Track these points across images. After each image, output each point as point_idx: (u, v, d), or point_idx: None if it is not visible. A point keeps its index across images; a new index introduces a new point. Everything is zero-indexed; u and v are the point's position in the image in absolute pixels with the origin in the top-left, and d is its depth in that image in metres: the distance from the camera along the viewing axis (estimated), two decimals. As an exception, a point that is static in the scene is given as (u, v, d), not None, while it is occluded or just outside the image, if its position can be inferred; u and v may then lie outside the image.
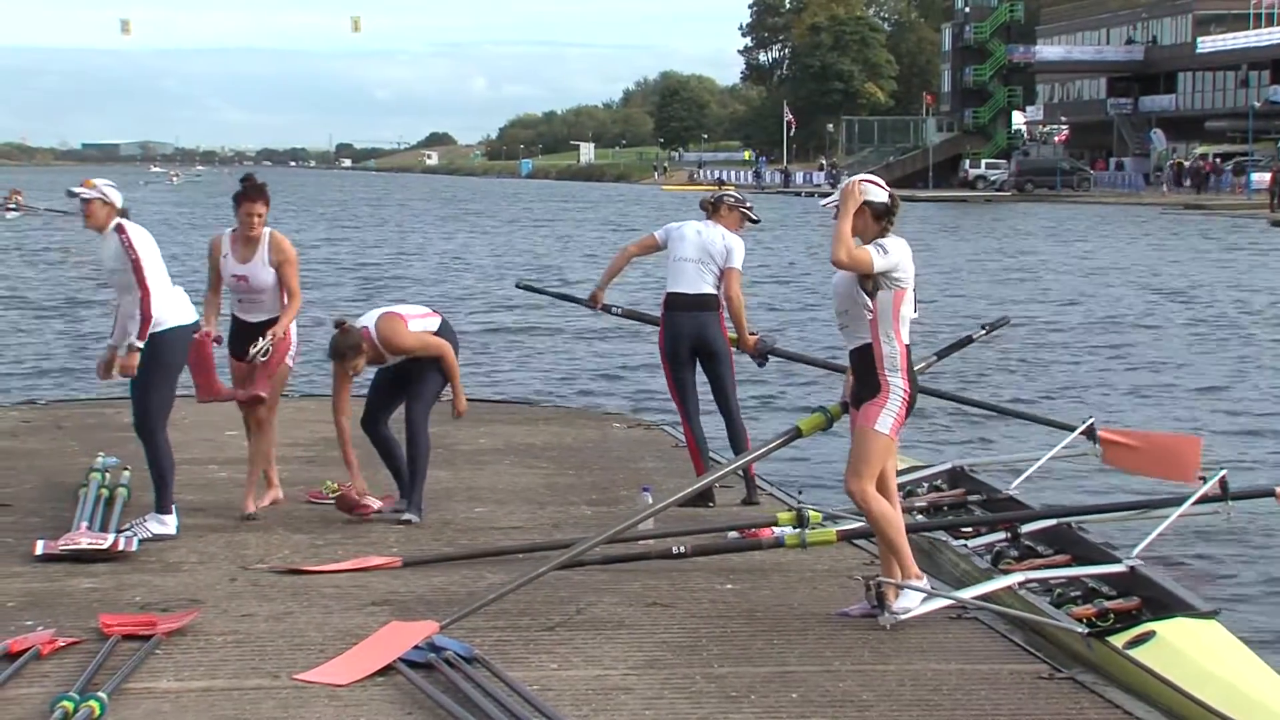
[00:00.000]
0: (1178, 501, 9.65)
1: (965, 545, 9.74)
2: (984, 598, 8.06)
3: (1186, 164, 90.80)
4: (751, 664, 7.12)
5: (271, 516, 10.15)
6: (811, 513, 9.37)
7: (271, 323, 9.90)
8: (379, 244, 52.86)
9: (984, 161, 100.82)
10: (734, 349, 10.77)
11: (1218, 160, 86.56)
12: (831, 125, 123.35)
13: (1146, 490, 11.71)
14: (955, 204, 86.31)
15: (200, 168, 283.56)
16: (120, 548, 8.94)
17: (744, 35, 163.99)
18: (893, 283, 7.60)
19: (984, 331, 12.28)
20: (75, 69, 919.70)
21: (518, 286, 15.19)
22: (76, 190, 9.43)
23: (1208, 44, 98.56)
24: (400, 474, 10.21)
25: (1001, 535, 9.76)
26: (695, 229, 10.67)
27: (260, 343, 9.82)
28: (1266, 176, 74.59)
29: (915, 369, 7.88)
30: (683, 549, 8.83)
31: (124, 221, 9.28)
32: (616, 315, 12.56)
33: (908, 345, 7.73)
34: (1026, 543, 9.69)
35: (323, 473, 11.47)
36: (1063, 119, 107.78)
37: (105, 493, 10.26)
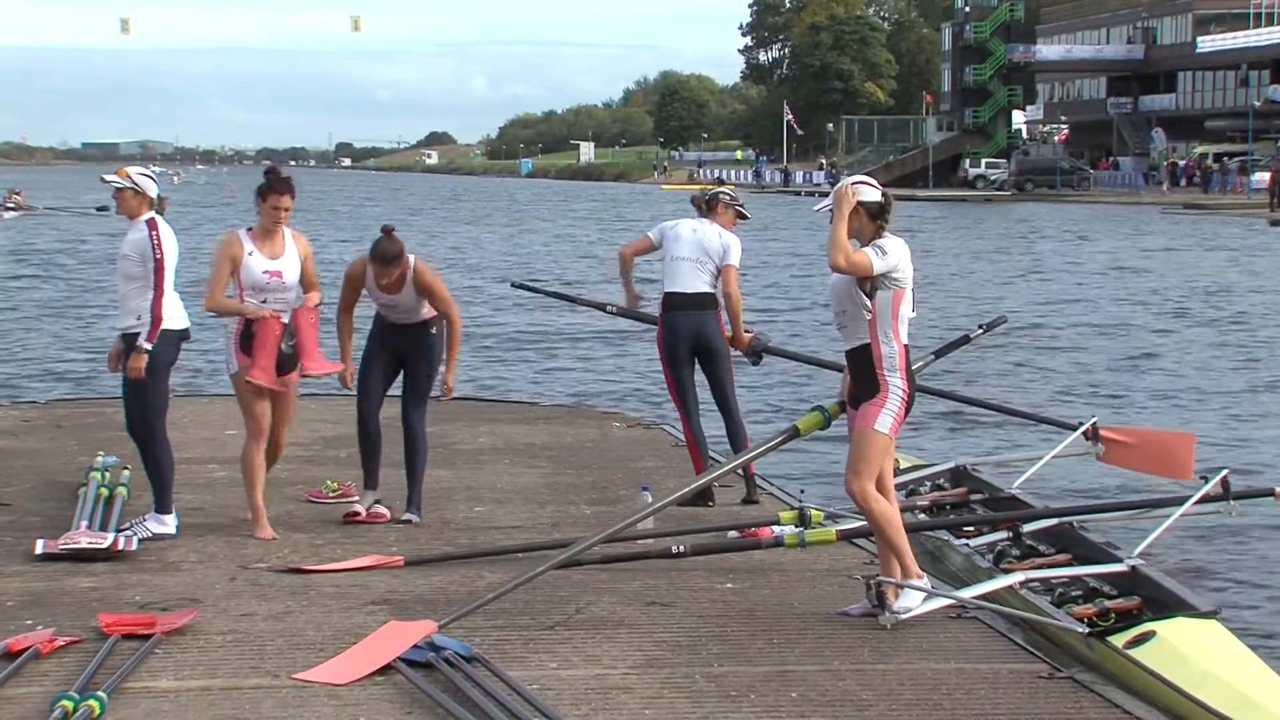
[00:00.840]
0: (1179, 501, 9.65)
1: (967, 544, 9.74)
2: (985, 597, 8.05)
3: (1181, 163, 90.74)
4: (751, 663, 7.11)
5: (270, 516, 10.12)
6: (813, 511, 9.38)
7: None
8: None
9: (984, 161, 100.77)
10: (731, 347, 10.76)
11: (1225, 160, 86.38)
12: (831, 125, 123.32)
13: (1148, 490, 11.71)
14: (955, 203, 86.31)
15: (200, 167, 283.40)
16: (120, 547, 8.94)
17: (744, 35, 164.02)
18: (891, 283, 7.60)
19: (981, 331, 12.28)
20: (75, 68, 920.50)
21: (513, 286, 15.18)
22: (109, 178, 9.47)
23: (1207, 43, 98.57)
24: (375, 472, 10.17)
25: (1003, 534, 9.77)
26: (690, 227, 10.64)
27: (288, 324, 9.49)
28: (1266, 176, 74.60)
29: (913, 368, 7.88)
30: (682, 548, 8.83)
31: (157, 218, 9.30)
32: (613, 314, 12.56)
33: (906, 345, 7.73)
34: (1028, 542, 9.69)
35: (322, 472, 11.47)
36: (1062, 118, 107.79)
37: (105, 492, 10.25)
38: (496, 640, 7.37)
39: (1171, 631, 7.55)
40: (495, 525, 10.01)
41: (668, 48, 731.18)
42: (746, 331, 10.86)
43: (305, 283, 9.62)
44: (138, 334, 9.14)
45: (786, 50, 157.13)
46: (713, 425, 10.93)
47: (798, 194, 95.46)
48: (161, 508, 9.46)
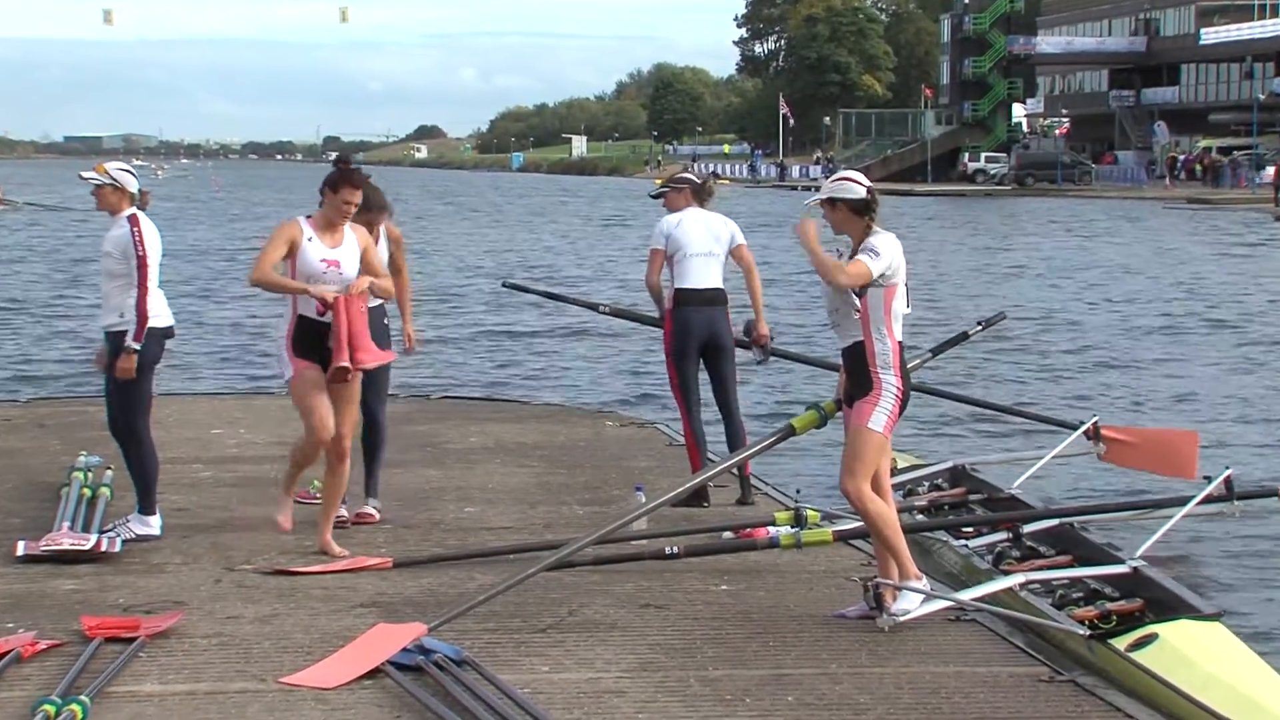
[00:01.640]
0: (1182, 501, 9.66)
1: (966, 545, 9.75)
2: (984, 599, 8.06)
3: (1181, 158, 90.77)
4: (746, 667, 7.12)
5: (257, 516, 10.13)
6: (810, 512, 9.37)
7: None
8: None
9: (983, 155, 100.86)
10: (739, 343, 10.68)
11: (1234, 154, 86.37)
12: (828, 118, 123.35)
13: (1150, 490, 11.72)
14: (954, 198, 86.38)
15: (185, 161, 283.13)
16: (103, 548, 8.93)
17: (739, 26, 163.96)
18: (883, 279, 7.62)
19: (980, 328, 12.29)
20: (57, 61, 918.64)
21: (504, 285, 15.16)
22: (86, 175, 9.46)
23: (1211, 35, 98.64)
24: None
25: (1003, 535, 9.78)
26: (692, 220, 10.59)
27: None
28: (1271, 171, 74.67)
29: (909, 366, 7.89)
30: (676, 549, 8.83)
31: (139, 214, 9.29)
32: (605, 314, 12.55)
33: (900, 342, 7.75)
34: (1028, 543, 9.71)
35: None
36: (1064, 111, 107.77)
37: (88, 492, 10.25)
38: (487, 643, 7.37)
39: (1174, 634, 7.56)
40: (486, 526, 10.01)
41: (662, 39, 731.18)
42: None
43: (368, 274, 9.55)
44: (122, 332, 9.14)
45: (782, 42, 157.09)
46: (710, 427, 10.93)
47: (794, 189, 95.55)
48: (145, 508, 9.46)
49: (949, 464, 12.01)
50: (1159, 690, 7.18)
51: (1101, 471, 12.73)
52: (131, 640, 7.23)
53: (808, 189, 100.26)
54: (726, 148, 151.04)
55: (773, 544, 8.95)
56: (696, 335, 10.47)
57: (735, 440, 10.60)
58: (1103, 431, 11.72)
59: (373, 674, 6.87)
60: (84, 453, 11.31)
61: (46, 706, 6.21)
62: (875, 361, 7.68)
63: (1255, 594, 10.41)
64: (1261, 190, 75.30)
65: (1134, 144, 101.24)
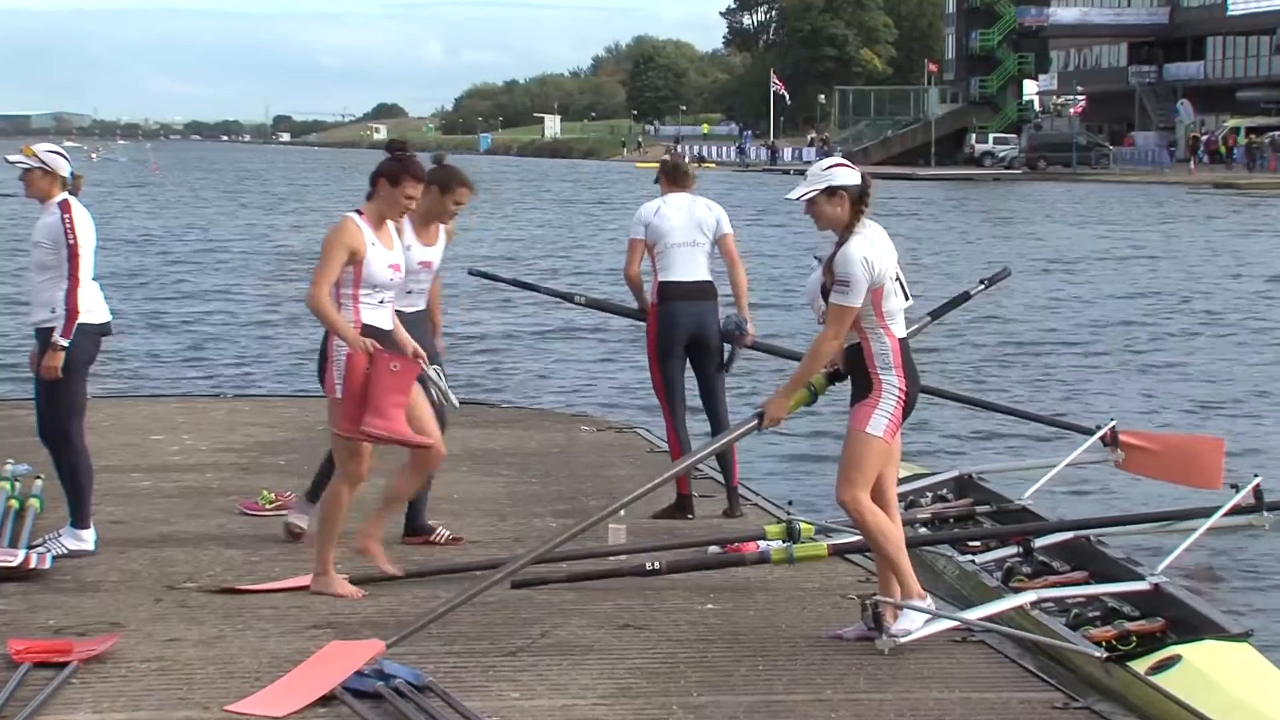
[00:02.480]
0: (1207, 513, 9.68)
1: (973, 561, 9.76)
2: (993, 618, 8.07)
3: (1204, 138, 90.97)
4: (734, 693, 7.12)
5: (200, 530, 10.12)
6: (803, 525, 9.37)
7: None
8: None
9: (992, 136, 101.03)
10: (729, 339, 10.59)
11: (1259, 135, 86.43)
12: (823, 96, 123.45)
13: (1172, 500, 11.73)
14: (960, 183, 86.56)
15: (122, 142, 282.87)
16: (32, 565, 8.91)
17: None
18: (841, 293, 7.63)
19: (983, 287, 12.24)
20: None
21: (470, 273, 15.14)
22: (13, 159, 9.41)
23: (1239, 5, 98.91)
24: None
25: (1013, 550, 9.79)
26: (675, 207, 10.56)
27: (433, 372, 8.94)
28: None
29: (913, 362, 7.88)
30: (657, 565, 8.83)
31: (71, 199, 9.27)
32: (580, 305, 12.53)
33: (902, 339, 7.76)
34: (1041, 558, 9.72)
35: (258, 481, 11.44)
36: (1079, 89, 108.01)
37: (15, 504, 10.23)
38: (452, 667, 7.37)
39: (1199, 656, 7.58)
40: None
41: (643, 10, 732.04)
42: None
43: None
44: (53, 329, 9.12)
45: (774, 13, 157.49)
46: (697, 432, 10.94)
47: (786, 172, 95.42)
48: (78, 521, 9.43)
49: (954, 473, 12.02)
50: (1182, 717, 7.20)
51: (1119, 481, 12.75)
52: (63, 665, 7.21)
53: (801, 173, 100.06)
54: (706, 127, 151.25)
55: (763, 559, 8.95)
56: (683, 332, 10.44)
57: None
58: (1120, 437, 11.72)
59: (327, 700, 6.86)
60: (11, 460, 11.27)
61: (-30, 738, 6.20)
62: (874, 362, 7.70)
63: (1286, 612, 10.44)
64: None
65: (1155, 124, 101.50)
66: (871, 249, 7.68)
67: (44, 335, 9.19)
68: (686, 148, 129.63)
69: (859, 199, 7.75)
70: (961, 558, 9.87)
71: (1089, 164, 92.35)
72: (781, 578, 9.04)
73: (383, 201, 8.56)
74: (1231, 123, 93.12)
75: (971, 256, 40.26)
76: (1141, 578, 8.77)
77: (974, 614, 8.10)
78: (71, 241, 9.10)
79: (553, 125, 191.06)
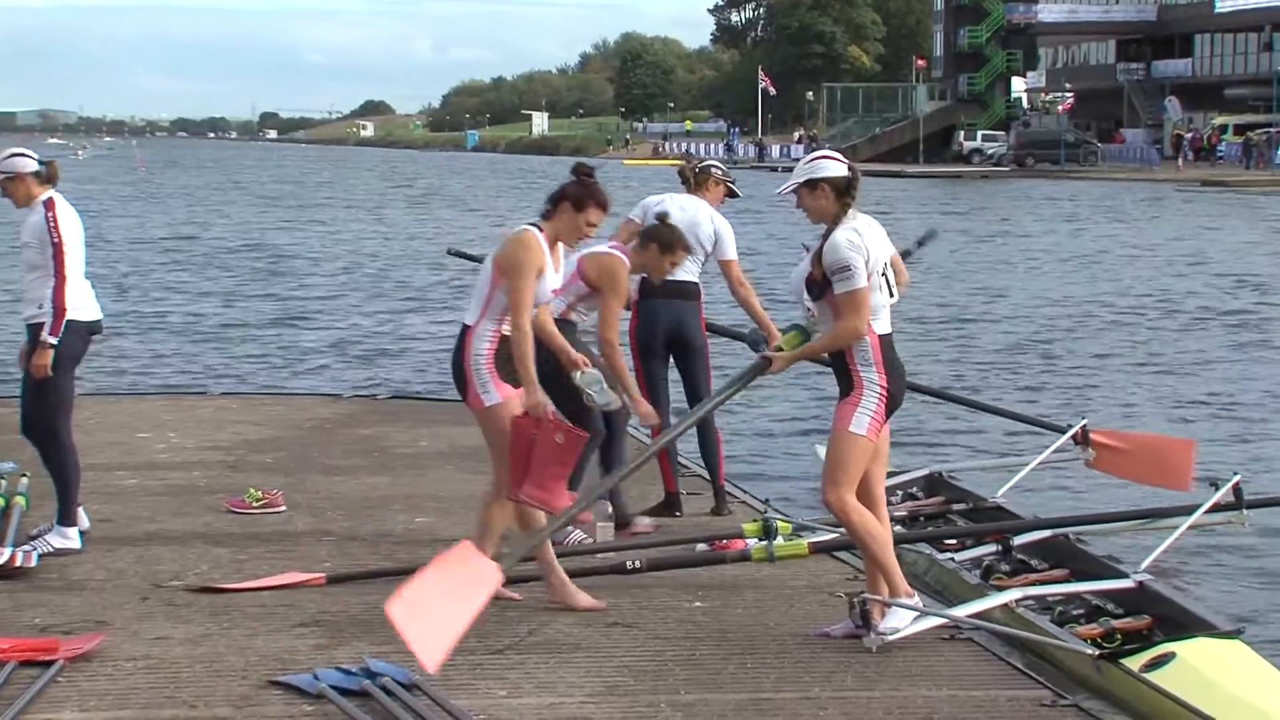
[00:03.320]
0: (1187, 511, 9.69)
1: (952, 559, 9.74)
2: (980, 616, 8.08)
3: (1187, 136, 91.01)
4: (722, 690, 7.13)
5: (186, 528, 10.11)
6: (780, 523, 9.32)
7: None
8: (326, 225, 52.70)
9: (980, 133, 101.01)
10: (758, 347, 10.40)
11: (1257, 134, 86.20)
12: (811, 93, 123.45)
13: (1151, 498, 11.71)
14: (948, 180, 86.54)
15: (108, 139, 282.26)
16: (18, 563, 8.90)
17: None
18: (845, 280, 7.62)
19: (919, 247, 12.33)
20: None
21: (449, 253, 15.11)
22: None
23: (1227, 3, 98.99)
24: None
25: (992, 548, 9.75)
26: (678, 204, 10.54)
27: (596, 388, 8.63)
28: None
29: (899, 361, 7.86)
30: (638, 563, 8.81)
31: (56, 197, 9.26)
32: None
33: (884, 335, 7.74)
34: (1019, 556, 9.69)
35: (245, 479, 11.44)
36: (1067, 86, 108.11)
37: (1, 502, 10.21)
38: (439, 665, 7.36)
39: (1193, 653, 7.57)
40: (438, 538, 9.98)
41: (631, 7, 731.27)
42: (741, 328, 10.77)
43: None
44: (42, 325, 9.12)
45: (762, 10, 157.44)
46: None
47: (774, 169, 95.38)
48: (65, 519, 9.42)
49: (924, 471, 11.99)
50: (1178, 714, 7.19)
51: (1096, 479, 12.74)
52: (49, 664, 7.20)
53: (789, 170, 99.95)
54: (689, 124, 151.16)
55: (744, 557, 8.94)
56: (661, 329, 10.40)
57: (708, 447, 10.60)
58: (1091, 436, 11.70)
59: (313, 699, 6.86)
60: (-4, 458, 11.26)
61: (-45, 736, 6.19)
62: (855, 360, 7.69)
63: (1272, 609, 10.46)
64: (1282, 171, 75.57)
65: (1143, 121, 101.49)
66: (856, 235, 7.67)
67: (34, 331, 9.20)
68: (673, 145, 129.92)
69: (844, 191, 7.74)
70: (940, 556, 9.85)
71: (1077, 161, 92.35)
72: (769, 575, 9.04)
73: (562, 225, 8.18)
74: (1219, 120, 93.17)
75: (961, 253, 40.26)
76: (1125, 575, 8.77)
77: (962, 611, 8.11)
78: (56, 240, 9.10)
79: (540, 122, 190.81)
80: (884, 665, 7.50)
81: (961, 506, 11.15)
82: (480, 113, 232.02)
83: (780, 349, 8.10)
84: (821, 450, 10.13)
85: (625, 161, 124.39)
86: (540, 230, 8.12)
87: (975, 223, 52.79)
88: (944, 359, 22.20)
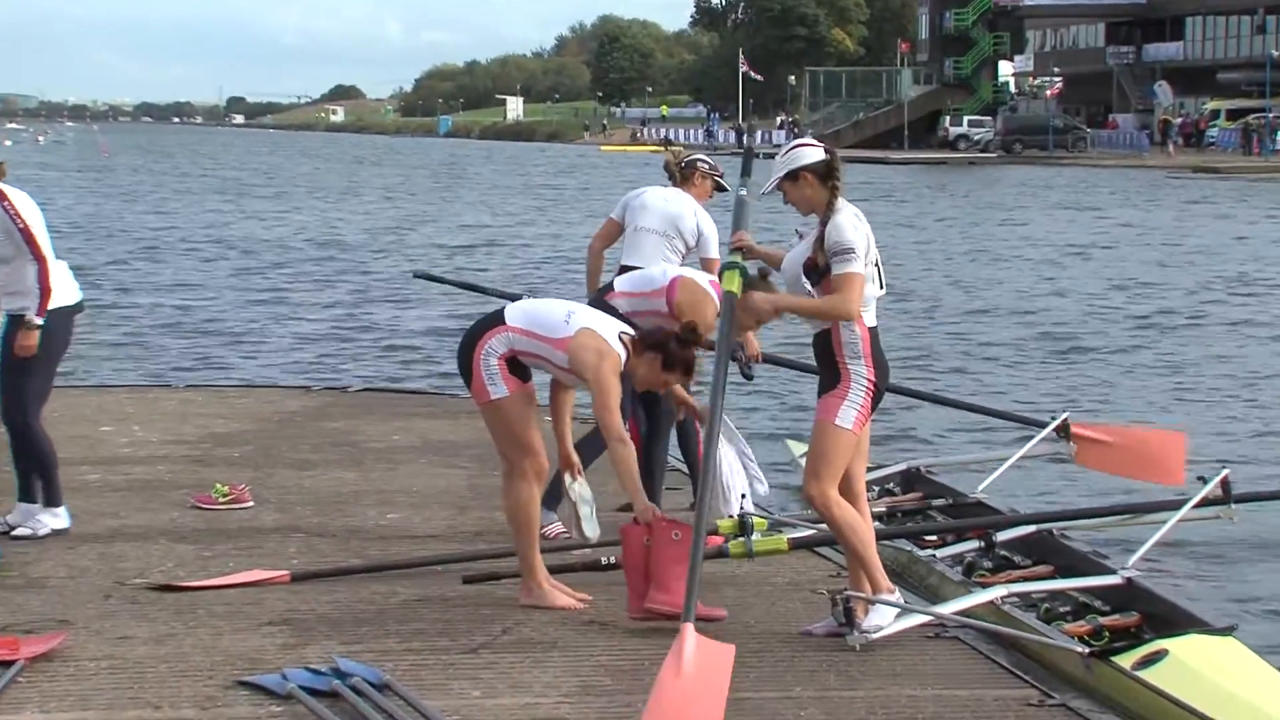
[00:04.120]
0: (1175, 505, 9.70)
1: (934, 555, 9.74)
2: (965, 614, 8.09)
3: (1177, 121, 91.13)
4: (701, 690, 7.12)
5: (151, 524, 10.10)
6: (756, 519, 9.27)
7: None
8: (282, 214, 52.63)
9: (966, 119, 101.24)
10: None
11: (1257, 119, 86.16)
12: (793, 77, 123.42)
13: (1138, 492, 11.69)
14: (933, 167, 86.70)
15: (70, 124, 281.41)
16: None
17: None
18: (845, 261, 7.63)
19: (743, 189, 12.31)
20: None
21: (415, 276, 15.11)
22: None
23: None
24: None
25: (974, 544, 9.73)
26: (661, 196, 10.54)
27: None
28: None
29: (884, 354, 7.87)
30: (612, 560, 8.81)
31: (4, 188, 9.30)
32: None
33: (872, 328, 7.77)
34: (1002, 553, 9.67)
35: (212, 474, 11.42)
36: (1055, 70, 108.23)
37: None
38: (411, 665, 7.37)
39: (1186, 650, 7.57)
40: (410, 534, 10.01)
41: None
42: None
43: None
44: (23, 314, 9.29)
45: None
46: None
47: (755, 156, 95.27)
48: (51, 499, 9.66)
49: (901, 466, 11.95)
50: (1171, 712, 7.20)
51: (1076, 474, 12.73)
52: (10, 663, 7.19)
53: (771, 156, 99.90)
54: (664, 109, 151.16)
55: (721, 554, 8.90)
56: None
57: (688, 445, 10.57)
58: (1073, 429, 11.66)
59: (282, 699, 6.86)
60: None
61: (-87, 738, 6.18)
62: (843, 351, 7.70)
63: (1263, 605, 10.47)
64: (1276, 158, 75.65)
65: (1134, 106, 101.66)
66: (859, 219, 7.73)
67: (15, 322, 9.35)
68: (652, 130, 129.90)
69: (827, 175, 7.77)
70: (921, 552, 9.85)
71: (1066, 147, 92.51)
72: (750, 573, 9.05)
73: (647, 371, 8.27)
74: (1211, 105, 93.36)
75: (948, 241, 40.32)
76: (1112, 571, 8.78)
77: (947, 609, 8.12)
78: (21, 226, 9.21)
79: (515, 107, 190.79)
80: (867, 664, 7.52)
81: (941, 502, 11.12)
82: (453, 97, 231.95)
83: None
84: (793, 445, 10.22)
85: (602, 148, 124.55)
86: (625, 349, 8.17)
87: (961, 210, 52.88)
88: (926, 351, 22.22)
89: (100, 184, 72.01)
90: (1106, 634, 8.26)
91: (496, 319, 8.22)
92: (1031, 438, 11.70)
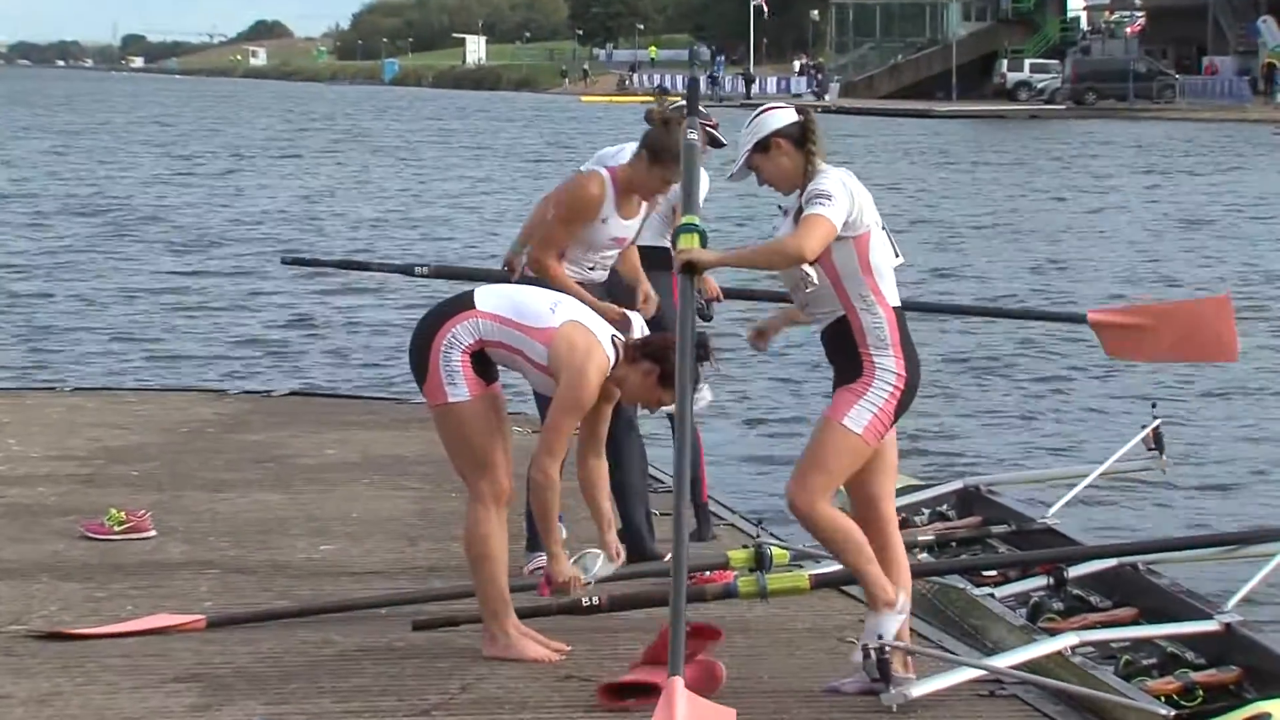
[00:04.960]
0: (1285, 535, 9.73)
1: (992, 594, 9.75)
2: (1025, 667, 8.10)
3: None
4: (704, 760, 7.13)
5: (30, 558, 10.10)
6: (775, 550, 9.30)
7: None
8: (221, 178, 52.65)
9: (1028, 62, 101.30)
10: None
11: None
12: (816, 11, 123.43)
13: (1243, 519, 11.69)
14: (987, 120, 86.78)
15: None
16: None
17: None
18: (849, 228, 7.61)
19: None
20: None
21: (284, 262, 15.17)
22: None
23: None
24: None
25: (1041, 580, 9.75)
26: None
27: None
28: None
29: (912, 342, 7.77)
30: (596, 600, 8.81)
31: None
32: (423, 276, 12.63)
33: (897, 308, 7.71)
34: (1075, 591, 9.70)
35: (105, 497, 11.42)
36: (1137, 3, 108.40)
37: None
38: (351, 730, 7.39)
39: (1295, 715, 7.60)
40: (348, 570, 10.02)
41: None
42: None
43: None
44: None
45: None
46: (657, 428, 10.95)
47: (706, 96, 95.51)
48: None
49: (957, 484, 11.94)
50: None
51: (1168, 497, 12.74)
52: None
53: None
54: (653, 50, 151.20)
55: (728, 594, 8.91)
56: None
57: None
58: (1093, 317, 11.71)
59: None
60: None
61: None
62: (866, 340, 7.66)
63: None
64: None
65: (1233, 47, 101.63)
66: (850, 177, 7.70)
67: None
68: (643, 77, 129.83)
69: (802, 139, 7.78)
70: (977, 590, 9.85)
71: (1149, 97, 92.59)
72: (764, 616, 9.06)
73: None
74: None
75: (1003, 213, 40.35)
76: (1209, 616, 8.78)
77: (1002, 661, 8.11)
78: None
79: (476, 48, 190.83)
80: (907, 728, 7.53)
81: (1003, 529, 11.13)
82: (400, 36, 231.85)
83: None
84: None
85: (583, 98, 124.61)
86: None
87: (1021, 174, 52.90)
88: (980, 344, 22.27)
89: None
90: (1200, 692, 8.27)
91: (464, 303, 8.20)
92: (1115, 450, 11.65)
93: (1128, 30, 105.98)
